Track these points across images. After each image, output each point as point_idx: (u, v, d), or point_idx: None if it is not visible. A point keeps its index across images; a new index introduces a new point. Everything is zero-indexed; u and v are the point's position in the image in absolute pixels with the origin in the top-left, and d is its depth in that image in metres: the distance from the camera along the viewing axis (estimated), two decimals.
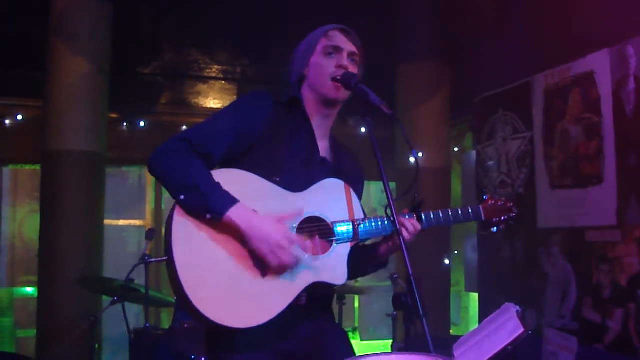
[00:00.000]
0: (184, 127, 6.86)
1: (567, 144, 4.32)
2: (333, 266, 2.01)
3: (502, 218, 2.28)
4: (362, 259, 2.18)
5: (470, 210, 2.22)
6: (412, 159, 6.08)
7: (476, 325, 3.23)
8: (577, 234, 4.17)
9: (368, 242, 2.19)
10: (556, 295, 4.35)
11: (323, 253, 2.01)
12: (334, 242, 2.02)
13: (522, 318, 2.09)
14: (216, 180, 1.88)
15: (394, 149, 6.60)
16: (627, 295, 3.76)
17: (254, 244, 1.85)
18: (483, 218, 2.25)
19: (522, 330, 1.96)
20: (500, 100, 5.08)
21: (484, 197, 2.30)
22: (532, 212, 4.60)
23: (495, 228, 2.30)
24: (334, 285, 2.04)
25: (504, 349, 1.92)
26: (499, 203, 2.29)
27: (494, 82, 5.17)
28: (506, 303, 2.26)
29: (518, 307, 2.13)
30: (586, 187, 4.11)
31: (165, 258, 1.86)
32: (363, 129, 7.09)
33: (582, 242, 4.13)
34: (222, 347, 1.98)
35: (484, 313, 5.17)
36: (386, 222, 2.07)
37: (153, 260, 3.73)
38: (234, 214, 1.84)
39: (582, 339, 4.08)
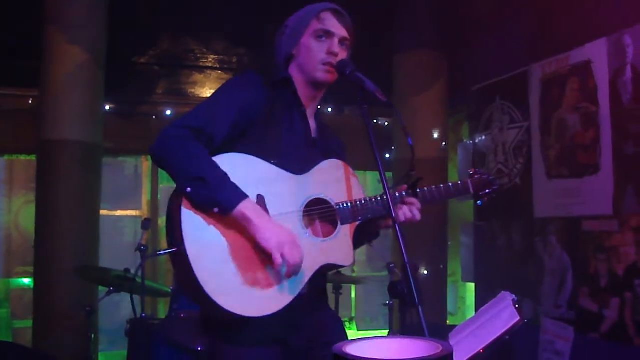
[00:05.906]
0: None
1: (563, 133, 4.31)
2: (340, 248, 2.02)
3: (487, 191, 2.32)
4: (361, 234, 2.17)
5: (460, 184, 2.27)
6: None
7: (473, 315, 3.24)
8: (574, 224, 4.18)
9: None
10: (553, 284, 4.35)
11: (329, 235, 2.01)
12: (339, 224, 2.03)
13: (519, 307, 2.09)
14: (218, 167, 1.85)
15: (391, 138, 6.59)
16: (624, 285, 3.77)
17: (263, 236, 1.82)
18: (471, 191, 2.29)
19: (517, 318, 1.96)
20: (498, 89, 5.07)
21: (469, 171, 2.34)
22: (529, 201, 4.60)
23: (480, 202, 2.35)
24: (343, 267, 2.06)
25: (500, 338, 1.92)
26: (484, 177, 2.32)
27: (492, 72, 5.16)
28: (502, 292, 2.26)
29: (514, 296, 2.13)
30: (583, 177, 4.11)
31: (174, 249, 1.83)
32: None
33: (578, 232, 4.13)
34: (225, 340, 1.96)
35: (480, 303, 5.18)
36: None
37: (162, 252, 3.71)
38: (244, 207, 1.82)
39: (578, 328, 4.10)
